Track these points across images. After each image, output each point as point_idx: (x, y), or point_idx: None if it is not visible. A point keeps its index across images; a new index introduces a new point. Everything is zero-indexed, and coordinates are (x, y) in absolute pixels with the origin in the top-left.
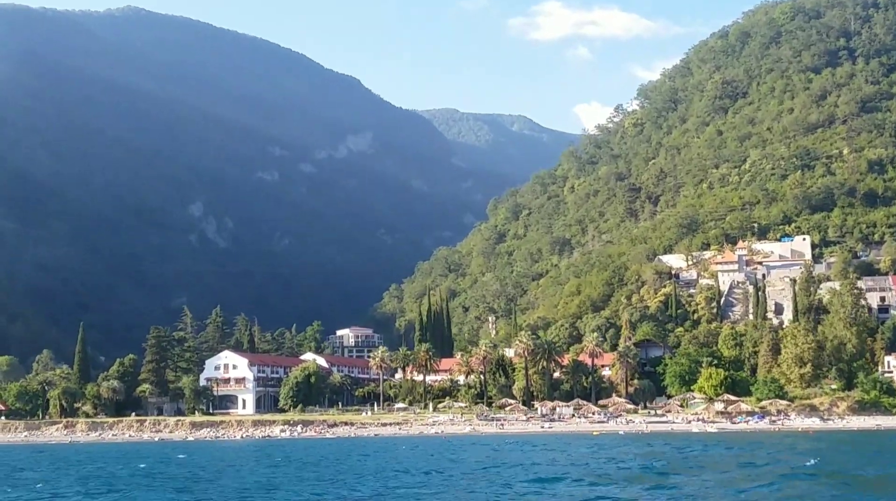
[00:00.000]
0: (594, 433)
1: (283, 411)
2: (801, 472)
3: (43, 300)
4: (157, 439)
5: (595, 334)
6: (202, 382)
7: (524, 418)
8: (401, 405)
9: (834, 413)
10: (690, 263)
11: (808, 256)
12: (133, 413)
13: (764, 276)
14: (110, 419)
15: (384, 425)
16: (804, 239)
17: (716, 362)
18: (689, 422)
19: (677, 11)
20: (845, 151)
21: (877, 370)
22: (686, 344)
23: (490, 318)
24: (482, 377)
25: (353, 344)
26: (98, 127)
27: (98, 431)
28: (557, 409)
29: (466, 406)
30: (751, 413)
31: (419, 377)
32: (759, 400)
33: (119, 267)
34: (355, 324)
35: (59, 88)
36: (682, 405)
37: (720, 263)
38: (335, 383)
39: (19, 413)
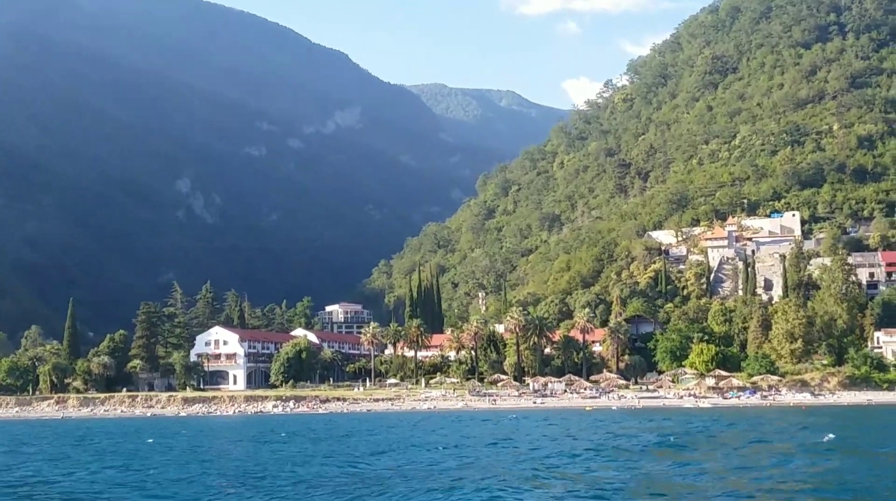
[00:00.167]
0: (587, 408)
1: (274, 387)
2: (820, 448)
3: (31, 276)
4: (149, 414)
5: (586, 310)
6: (193, 358)
7: (516, 393)
8: (392, 380)
9: (825, 389)
10: (680, 239)
11: (798, 232)
12: (124, 389)
13: (753, 252)
14: (101, 395)
15: (376, 400)
16: (794, 215)
17: (706, 338)
18: (681, 398)
19: None
20: (835, 127)
21: (866, 346)
22: (676, 320)
23: (480, 294)
24: (473, 352)
25: (342, 320)
26: (85, 101)
27: (90, 407)
28: (549, 385)
29: (458, 382)
30: (742, 389)
31: (410, 353)
32: (751, 376)
33: (107, 242)
34: (344, 300)
35: (46, 62)
36: (673, 381)
37: (710, 239)
38: (326, 358)
39: (9, 389)
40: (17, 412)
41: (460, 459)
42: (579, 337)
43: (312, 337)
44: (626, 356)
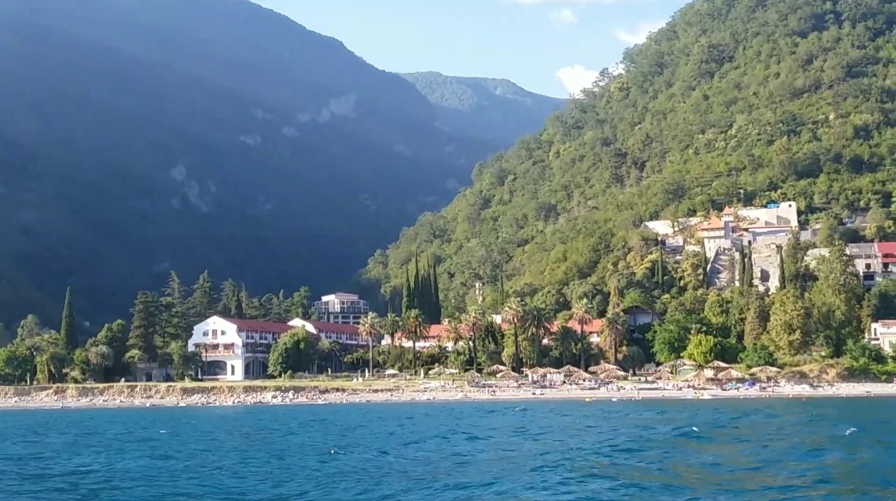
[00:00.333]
0: (586, 399)
1: (272, 377)
2: (846, 441)
3: (27, 264)
4: (148, 405)
5: (584, 300)
6: (190, 347)
7: (515, 384)
8: (391, 371)
9: (823, 380)
10: (677, 229)
11: (794, 222)
12: (122, 379)
13: (750, 242)
14: (100, 385)
15: (376, 391)
16: (790, 205)
17: (704, 329)
18: (680, 389)
19: None
20: (831, 117)
21: (864, 337)
22: (673, 311)
23: (476, 284)
24: (471, 343)
25: (338, 310)
26: (82, 90)
27: (88, 396)
28: (548, 375)
29: (457, 373)
30: (741, 380)
31: (408, 344)
32: (749, 367)
33: (103, 231)
34: (340, 290)
35: (43, 51)
36: (672, 372)
37: (706, 229)
38: (324, 349)
39: (7, 378)
40: (15, 402)
41: (503, 450)
42: (577, 328)
43: (310, 327)
44: (624, 347)
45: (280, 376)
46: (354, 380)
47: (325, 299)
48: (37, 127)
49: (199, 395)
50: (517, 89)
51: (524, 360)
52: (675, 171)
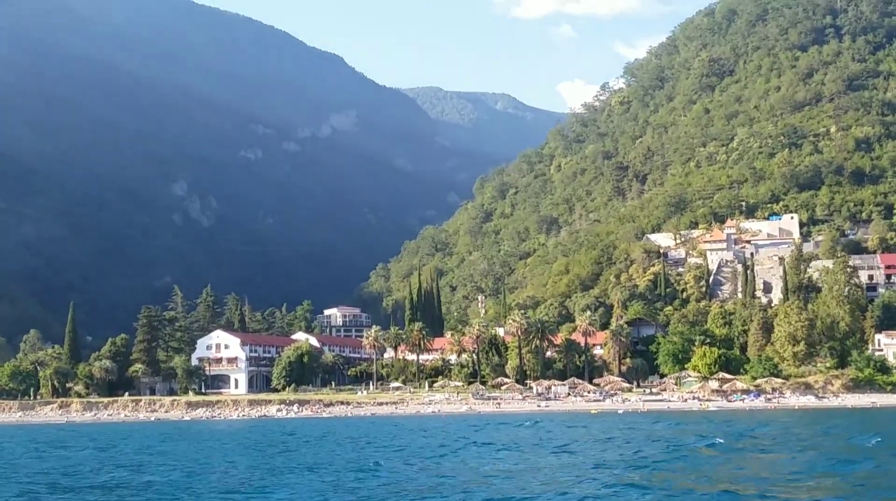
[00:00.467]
0: (592, 411)
1: (275, 390)
2: (874, 452)
3: (28, 280)
4: (153, 418)
5: (587, 313)
6: (194, 361)
7: (520, 397)
8: (395, 384)
9: (828, 391)
10: (679, 241)
11: (797, 234)
12: (126, 393)
13: (752, 255)
14: (105, 399)
15: (380, 404)
16: (792, 218)
17: (708, 340)
18: (686, 400)
19: None
20: (832, 130)
21: (867, 348)
22: (675, 323)
23: (479, 297)
24: (475, 356)
25: (340, 324)
26: (81, 105)
27: (93, 411)
28: (553, 388)
29: (461, 385)
30: (746, 392)
31: (411, 357)
32: (754, 379)
33: (103, 246)
34: (342, 303)
35: (41, 66)
36: (676, 384)
37: (708, 241)
38: (327, 362)
39: (11, 393)
40: (20, 416)
41: (533, 462)
42: (581, 340)
43: (313, 341)
44: (628, 359)
45: (284, 389)
46: (358, 393)
47: (327, 312)
48: (37, 142)
49: (204, 409)
50: (517, 104)
51: (528, 372)
52: (677, 184)
